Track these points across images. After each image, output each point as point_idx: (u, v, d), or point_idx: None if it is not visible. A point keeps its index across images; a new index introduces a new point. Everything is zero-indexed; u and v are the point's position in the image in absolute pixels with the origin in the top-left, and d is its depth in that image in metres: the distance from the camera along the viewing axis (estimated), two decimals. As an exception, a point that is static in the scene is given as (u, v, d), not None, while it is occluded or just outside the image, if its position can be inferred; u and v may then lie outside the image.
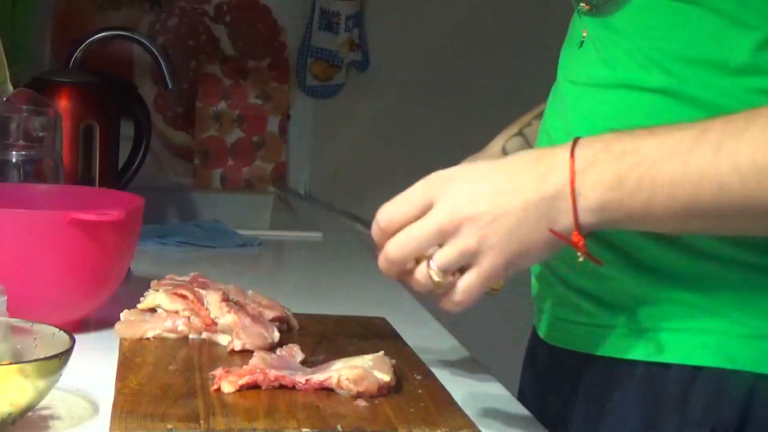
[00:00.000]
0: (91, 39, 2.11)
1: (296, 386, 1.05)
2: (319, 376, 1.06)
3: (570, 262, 1.01)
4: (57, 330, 1.03)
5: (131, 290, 1.32)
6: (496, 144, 1.35)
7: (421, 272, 1.00)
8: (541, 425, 1.11)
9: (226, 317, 1.21)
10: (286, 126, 2.80)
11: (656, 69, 1.02)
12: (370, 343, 1.24)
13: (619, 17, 1.05)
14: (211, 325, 1.21)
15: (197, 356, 1.16)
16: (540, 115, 1.33)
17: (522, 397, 1.22)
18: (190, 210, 2.61)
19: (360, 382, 1.04)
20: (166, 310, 1.23)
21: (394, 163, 2.85)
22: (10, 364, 0.97)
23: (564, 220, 0.96)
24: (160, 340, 1.21)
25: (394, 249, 1.00)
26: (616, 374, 1.07)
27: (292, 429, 0.96)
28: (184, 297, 1.23)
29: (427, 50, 2.86)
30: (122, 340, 1.21)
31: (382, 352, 1.11)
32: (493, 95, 2.87)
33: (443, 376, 1.17)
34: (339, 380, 1.04)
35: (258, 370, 1.05)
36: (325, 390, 1.05)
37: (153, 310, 1.25)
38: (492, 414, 1.11)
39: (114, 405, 1.00)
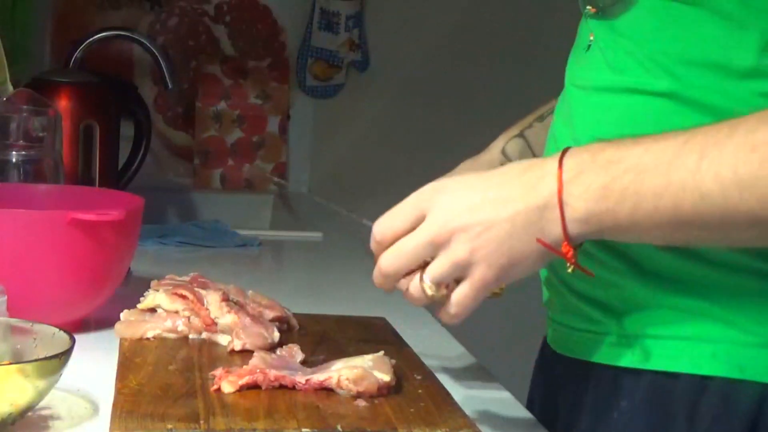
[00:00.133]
0: (91, 39, 2.11)
1: (296, 386, 1.05)
2: (319, 376, 1.06)
3: (578, 271, 1.01)
4: (57, 330, 1.03)
5: (131, 290, 1.32)
6: (496, 146, 1.35)
7: (414, 285, 1.00)
8: (541, 426, 1.11)
9: (226, 317, 1.21)
10: (286, 126, 2.80)
11: (662, 73, 1.02)
12: (370, 343, 1.23)
13: (624, 21, 1.05)
14: (211, 325, 1.21)
15: (197, 356, 1.16)
16: (542, 117, 1.32)
17: (530, 404, 1.22)
18: (190, 210, 2.61)
19: (360, 382, 1.04)
20: (166, 310, 1.23)
21: (393, 163, 2.86)
22: (10, 364, 0.97)
23: (553, 231, 0.96)
24: (160, 340, 1.21)
25: (386, 262, 1.01)
26: (623, 383, 1.06)
27: (292, 429, 0.96)
28: (184, 297, 1.23)
29: (427, 50, 2.86)
30: (122, 340, 1.21)
31: (382, 352, 1.11)
32: (492, 95, 2.87)
33: (443, 376, 1.17)
34: (339, 380, 1.04)
35: (258, 370, 1.05)
36: (325, 390, 1.05)
37: (153, 310, 1.25)
38: (492, 414, 1.11)
39: (114, 405, 1.00)
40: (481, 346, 1.07)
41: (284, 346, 1.17)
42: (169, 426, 0.95)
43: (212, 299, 1.23)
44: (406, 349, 1.25)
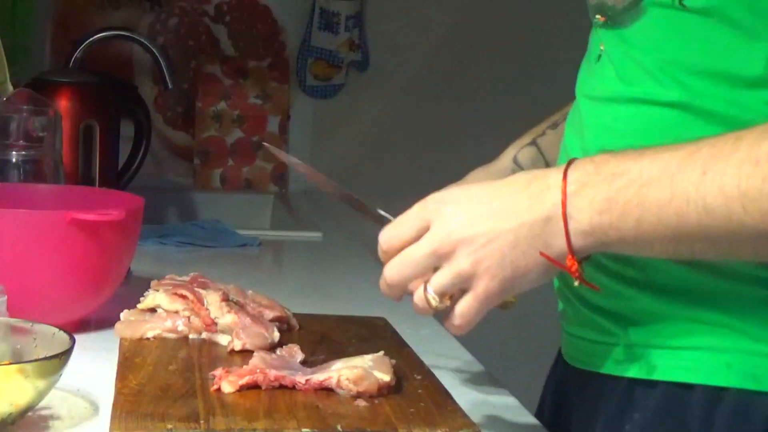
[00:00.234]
0: (91, 39, 2.11)
1: (296, 386, 1.05)
2: (319, 376, 1.06)
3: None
4: (57, 330, 1.03)
5: (131, 290, 1.32)
6: (508, 154, 1.33)
7: (418, 296, 1.00)
8: (541, 425, 1.11)
9: (226, 317, 1.21)
10: (286, 126, 2.80)
11: (671, 83, 1.01)
12: (370, 343, 1.23)
13: (633, 30, 1.04)
14: (211, 325, 1.21)
15: (197, 356, 1.16)
16: (555, 124, 1.30)
17: (540, 414, 1.21)
18: (190, 210, 2.61)
19: (360, 382, 1.04)
20: (166, 310, 1.23)
21: (394, 163, 2.86)
22: (10, 364, 0.97)
23: (557, 243, 0.95)
24: (160, 340, 1.21)
25: (391, 272, 1.00)
26: (636, 395, 1.05)
27: (292, 429, 0.96)
28: (184, 297, 1.23)
29: (427, 50, 2.87)
30: (122, 340, 1.21)
31: (382, 352, 1.11)
32: (492, 95, 2.87)
33: (443, 376, 1.17)
34: (339, 380, 1.04)
35: (258, 370, 1.05)
36: (325, 390, 1.05)
37: (153, 310, 1.25)
38: (492, 414, 1.11)
39: (114, 405, 1.00)
40: (487, 352, 1.06)
41: (284, 346, 1.17)
42: (169, 426, 0.95)
43: (212, 299, 1.23)
44: (406, 349, 1.25)
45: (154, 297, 1.25)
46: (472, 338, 1.47)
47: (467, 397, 1.11)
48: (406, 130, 2.88)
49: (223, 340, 1.21)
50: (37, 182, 1.49)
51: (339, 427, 0.97)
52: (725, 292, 1.01)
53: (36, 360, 0.96)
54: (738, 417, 1.00)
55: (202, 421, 0.96)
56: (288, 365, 1.10)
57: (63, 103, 1.92)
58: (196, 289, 1.25)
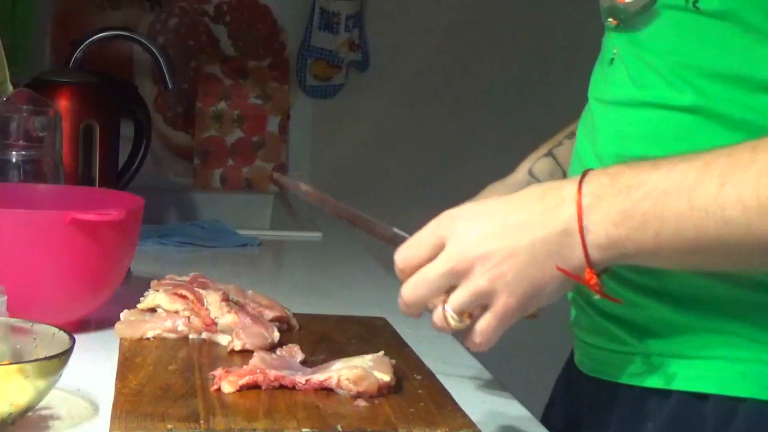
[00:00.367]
0: (91, 39, 2.11)
1: (296, 386, 1.05)
2: (319, 376, 1.06)
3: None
4: (57, 330, 1.03)
5: (131, 290, 1.32)
6: (523, 167, 1.31)
7: (437, 316, 0.99)
8: (540, 425, 1.11)
9: (226, 317, 1.21)
10: (286, 126, 2.80)
11: (685, 87, 1.00)
12: (370, 343, 1.23)
13: (646, 33, 1.02)
14: (211, 325, 1.21)
15: (197, 356, 1.16)
16: (572, 134, 1.27)
17: (547, 421, 1.19)
18: (190, 210, 2.61)
19: (360, 382, 1.04)
20: (166, 310, 1.23)
21: (393, 163, 2.86)
22: (10, 364, 0.97)
23: (574, 257, 0.94)
24: (160, 340, 1.21)
25: (408, 293, 0.99)
26: (649, 404, 1.04)
27: (292, 429, 0.96)
28: (184, 297, 1.23)
29: (427, 50, 2.87)
30: (122, 340, 1.21)
31: (382, 352, 1.11)
32: (492, 95, 2.87)
33: (443, 377, 1.17)
34: (339, 380, 1.04)
35: (258, 370, 1.05)
36: (325, 390, 1.05)
37: (153, 310, 1.25)
38: (491, 414, 1.11)
39: (114, 405, 1.00)
40: (489, 353, 1.05)
41: (284, 346, 1.17)
42: (169, 426, 0.95)
43: (212, 299, 1.23)
44: (406, 349, 1.25)
45: (154, 297, 1.25)
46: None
47: (467, 398, 1.11)
48: (406, 130, 2.88)
49: (223, 340, 1.21)
50: (37, 182, 1.49)
51: (339, 427, 0.97)
52: (741, 302, 1.00)
53: (36, 360, 0.96)
54: (755, 428, 0.99)
55: (202, 421, 0.96)
56: (288, 365, 1.10)
57: (63, 103, 1.92)
58: (196, 289, 1.25)
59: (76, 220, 1.23)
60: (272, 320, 1.26)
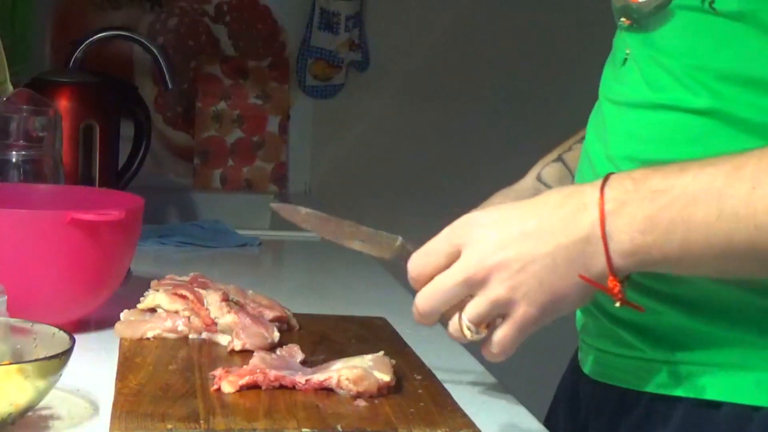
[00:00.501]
0: (91, 39, 2.11)
1: (296, 386, 1.05)
2: (319, 376, 1.06)
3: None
4: (57, 330, 1.03)
5: (131, 290, 1.32)
6: (532, 173, 1.28)
7: (453, 326, 0.97)
8: (540, 425, 1.11)
9: (226, 317, 1.21)
10: (286, 126, 2.80)
11: (700, 89, 0.98)
12: (370, 343, 1.24)
13: (661, 34, 1.00)
14: (211, 325, 1.21)
15: (197, 356, 1.16)
16: (581, 139, 1.23)
17: (549, 422, 1.18)
18: (190, 210, 2.61)
19: (360, 382, 1.04)
20: (166, 310, 1.23)
21: (394, 163, 2.85)
22: (10, 364, 0.97)
23: (597, 265, 0.92)
24: (160, 340, 1.21)
25: (423, 302, 0.97)
26: (658, 411, 1.02)
27: (292, 429, 0.96)
28: (184, 297, 1.23)
29: (427, 50, 2.86)
30: (122, 340, 1.21)
31: (382, 352, 1.11)
32: (492, 95, 2.87)
33: (443, 377, 1.17)
34: (339, 380, 1.04)
35: (258, 370, 1.05)
36: (325, 390, 1.05)
37: (153, 310, 1.25)
38: (491, 414, 1.11)
39: (114, 405, 1.00)
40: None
41: (284, 346, 1.17)
42: (169, 426, 0.95)
43: (212, 299, 1.23)
44: (406, 349, 1.25)
45: (154, 297, 1.25)
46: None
47: (467, 398, 1.11)
48: (406, 130, 2.88)
49: (223, 340, 1.21)
50: (37, 182, 1.49)
51: (339, 427, 0.97)
52: (756, 309, 0.98)
53: (36, 360, 0.96)
54: None
55: (202, 421, 0.96)
56: (288, 365, 1.10)
57: (63, 103, 1.92)
58: (196, 289, 1.25)
59: (76, 220, 1.23)
60: (272, 320, 1.26)
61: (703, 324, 1.00)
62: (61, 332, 1.02)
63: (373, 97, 2.86)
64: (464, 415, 1.03)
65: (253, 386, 1.05)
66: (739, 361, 0.99)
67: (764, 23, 0.94)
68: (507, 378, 1.28)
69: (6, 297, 1.11)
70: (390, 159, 2.86)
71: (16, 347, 1.05)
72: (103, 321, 1.29)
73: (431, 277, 0.97)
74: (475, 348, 1.38)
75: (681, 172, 0.91)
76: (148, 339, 1.21)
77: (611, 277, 0.92)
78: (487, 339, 0.97)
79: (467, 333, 0.96)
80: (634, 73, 1.04)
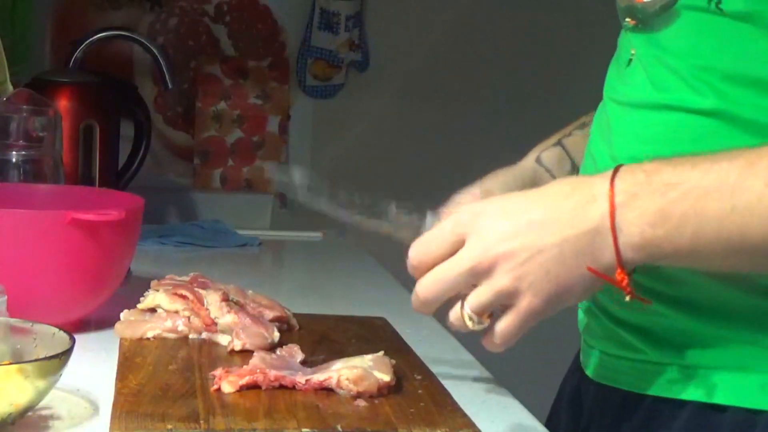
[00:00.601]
0: (91, 39, 2.11)
1: (296, 386, 1.05)
2: (319, 376, 1.06)
3: (617, 296, 0.96)
4: (57, 330, 1.03)
5: (131, 290, 1.32)
6: (531, 155, 1.27)
7: (455, 315, 0.96)
8: (540, 424, 1.11)
9: (226, 317, 1.21)
10: (286, 126, 2.80)
11: (706, 89, 0.97)
12: (370, 343, 1.23)
13: (666, 35, 1.00)
14: (211, 325, 1.21)
15: (197, 356, 1.16)
16: (583, 125, 1.25)
17: (551, 424, 1.18)
18: (190, 210, 2.61)
19: (360, 382, 1.04)
20: (166, 310, 1.23)
21: (394, 163, 2.85)
22: (10, 364, 0.97)
23: (605, 257, 0.91)
24: (160, 340, 1.21)
25: (424, 290, 0.96)
26: (661, 414, 1.02)
27: (292, 429, 0.96)
28: (184, 297, 1.23)
29: (427, 50, 2.87)
30: (122, 340, 1.21)
31: (382, 352, 1.11)
32: (492, 95, 2.87)
33: (443, 376, 1.17)
34: (339, 380, 1.04)
35: (258, 370, 1.05)
36: (325, 390, 1.05)
37: (153, 310, 1.25)
38: (491, 414, 1.11)
39: (114, 405, 1.00)
40: (493, 358, 1.04)
41: (284, 346, 1.17)
42: (169, 426, 0.95)
43: (212, 299, 1.23)
44: (406, 349, 1.25)
45: (154, 297, 1.25)
46: (474, 340, 1.47)
47: (467, 398, 1.11)
48: (406, 130, 2.88)
49: (223, 340, 1.21)
50: (37, 182, 1.49)
51: (339, 427, 0.97)
52: (760, 312, 0.97)
53: (36, 360, 0.96)
54: None
55: (202, 421, 0.96)
56: (288, 365, 1.10)
57: (63, 103, 1.92)
58: (196, 289, 1.25)
59: (76, 220, 1.23)
60: (272, 320, 1.26)
61: (706, 326, 0.99)
62: (61, 332, 1.02)
63: (373, 97, 2.86)
64: (464, 415, 1.03)
65: (253, 386, 1.05)
66: (743, 364, 0.98)
67: (767, 23, 0.94)
68: (508, 378, 1.27)
69: (6, 297, 1.11)
70: (390, 159, 2.86)
71: (16, 347, 1.05)
72: (103, 321, 1.29)
73: (433, 266, 0.96)
74: (476, 348, 1.38)
75: (693, 166, 0.90)
76: (148, 339, 1.21)
77: (619, 270, 0.91)
78: (489, 329, 0.96)
79: (469, 323, 0.95)
80: (639, 74, 1.03)
